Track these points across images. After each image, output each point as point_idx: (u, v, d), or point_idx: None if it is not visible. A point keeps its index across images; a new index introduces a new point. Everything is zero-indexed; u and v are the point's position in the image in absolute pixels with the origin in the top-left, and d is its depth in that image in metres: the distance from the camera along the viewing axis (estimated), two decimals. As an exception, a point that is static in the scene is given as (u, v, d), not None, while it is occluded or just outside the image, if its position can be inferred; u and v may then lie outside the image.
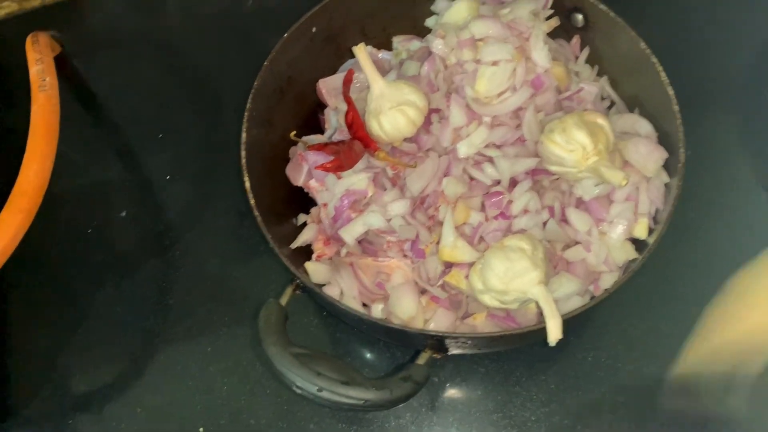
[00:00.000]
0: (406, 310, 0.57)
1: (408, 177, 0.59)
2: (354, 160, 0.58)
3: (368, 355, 0.63)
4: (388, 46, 0.73)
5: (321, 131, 0.70)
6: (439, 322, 0.57)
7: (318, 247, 0.64)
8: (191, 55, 0.83)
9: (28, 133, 0.60)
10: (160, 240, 0.70)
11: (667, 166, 0.58)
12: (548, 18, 0.65)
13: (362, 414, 0.60)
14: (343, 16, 0.68)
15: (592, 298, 0.57)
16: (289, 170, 0.65)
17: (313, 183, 0.63)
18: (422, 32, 0.72)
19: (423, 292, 0.59)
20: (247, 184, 0.58)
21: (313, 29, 0.66)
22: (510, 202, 0.57)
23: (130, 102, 0.80)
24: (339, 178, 0.61)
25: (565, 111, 0.62)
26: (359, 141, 0.61)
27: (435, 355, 0.53)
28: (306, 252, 0.64)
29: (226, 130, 0.76)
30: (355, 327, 0.61)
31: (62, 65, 0.71)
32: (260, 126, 0.63)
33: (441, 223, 0.57)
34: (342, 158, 0.57)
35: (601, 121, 0.57)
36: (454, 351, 0.54)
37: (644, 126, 0.61)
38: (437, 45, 0.63)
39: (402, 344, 0.61)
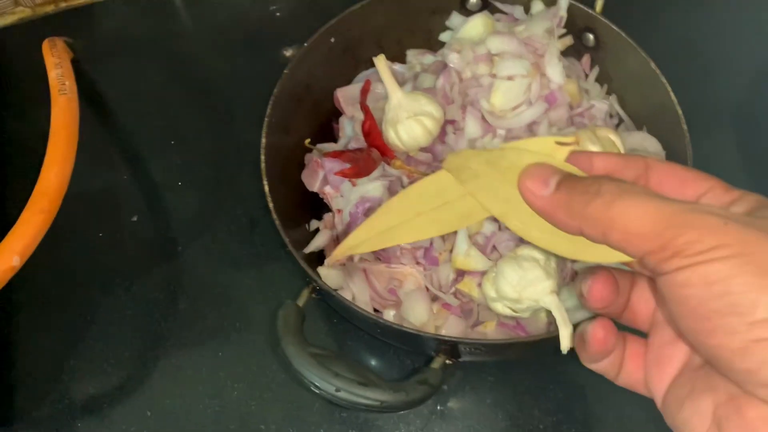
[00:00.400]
0: (418, 316, 0.58)
1: None
2: (372, 167, 0.59)
3: (378, 362, 0.64)
4: (402, 59, 0.74)
5: (334, 139, 0.71)
6: (450, 329, 0.58)
7: (329, 253, 0.65)
8: (203, 62, 0.84)
9: (49, 135, 0.61)
10: (172, 245, 0.71)
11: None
12: (561, 36, 0.66)
13: (372, 420, 0.60)
14: (360, 29, 0.69)
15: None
16: (305, 176, 0.66)
17: (328, 189, 0.64)
18: (435, 46, 0.74)
19: (434, 299, 0.60)
20: (266, 188, 0.59)
21: (332, 39, 0.68)
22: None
23: (141, 108, 0.81)
24: (354, 185, 0.62)
25: (576, 126, 0.63)
26: (376, 149, 0.62)
27: (448, 361, 0.54)
28: (318, 257, 0.65)
29: (237, 137, 0.78)
30: (367, 332, 0.61)
31: (74, 71, 0.72)
32: (278, 132, 0.64)
33: (454, 232, 0.58)
34: (360, 165, 0.58)
35: (612, 136, 0.58)
36: (465, 357, 0.55)
37: (653, 144, 0.62)
38: (453, 59, 0.65)
39: (414, 350, 0.61)
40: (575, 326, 0.51)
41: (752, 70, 0.79)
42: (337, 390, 0.46)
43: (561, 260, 0.57)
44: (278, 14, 0.87)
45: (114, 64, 0.83)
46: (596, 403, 0.61)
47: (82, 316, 0.67)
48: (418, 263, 0.60)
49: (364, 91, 0.65)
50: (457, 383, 0.62)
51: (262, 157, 0.60)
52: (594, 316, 0.40)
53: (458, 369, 0.62)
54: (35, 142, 0.64)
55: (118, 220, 0.73)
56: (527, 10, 0.69)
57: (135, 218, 0.73)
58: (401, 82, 0.68)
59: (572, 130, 0.61)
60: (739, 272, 0.26)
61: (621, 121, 0.68)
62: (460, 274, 0.58)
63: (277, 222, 0.57)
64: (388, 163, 0.61)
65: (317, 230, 0.66)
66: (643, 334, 0.38)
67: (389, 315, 0.60)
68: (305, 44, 0.66)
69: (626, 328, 0.38)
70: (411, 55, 0.74)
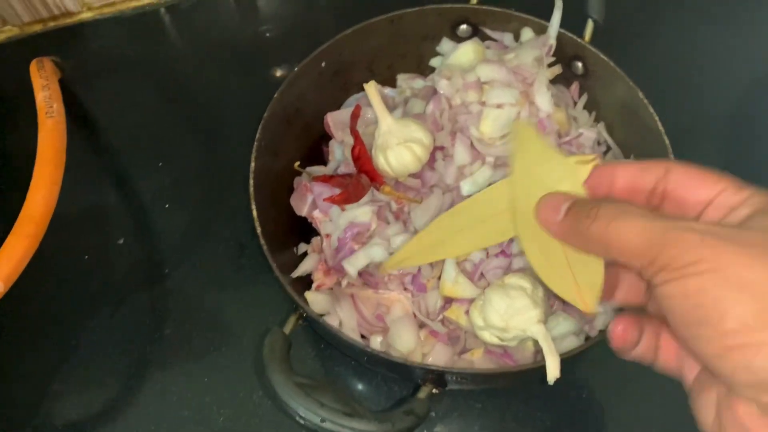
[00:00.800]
0: (405, 343, 0.58)
1: (412, 212, 0.61)
2: (361, 193, 0.59)
3: (365, 389, 0.63)
4: (392, 83, 0.75)
5: (323, 162, 0.71)
6: (437, 356, 0.58)
7: (318, 277, 0.64)
8: (192, 83, 0.84)
9: (35, 158, 0.60)
10: (158, 268, 0.70)
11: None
12: (550, 65, 0.67)
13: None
14: (352, 53, 0.70)
15: (587, 338, 0.59)
16: (294, 200, 0.66)
17: (317, 213, 0.64)
18: (426, 71, 0.74)
19: (421, 326, 0.60)
20: (255, 213, 0.58)
21: (323, 64, 0.68)
22: (511, 240, 0.58)
23: (129, 129, 0.80)
24: (343, 210, 0.62)
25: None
26: (365, 174, 0.62)
27: (435, 390, 0.54)
28: (305, 282, 0.65)
29: (226, 158, 0.77)
30: (354, 359, 0.61)
31: (62, 91, 0.72)
32: (267, 155, 0.64)
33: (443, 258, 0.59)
34: (350, 191, 0.58)
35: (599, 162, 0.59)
36: (452, 386, 0.55)
37: (641, 172, 0.63)
38: (443, 85, 0.65)
39: (401, 377, 0.61)
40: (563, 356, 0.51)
41: (739, 95, 0.80)
42: (323, 420, 0.46)
43: (548, 289, 0.57)
44: (268, 35, 0.87)
45: (103, 84, 0.83)
46: (583, 431, 0.61)
47: (67, 340, 0.67)
48: (405, 289, 0.60)
49: (354, 116, 0.65)
50: (445, 410, 0.62)
51: (251, 182, 0.60)
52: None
53: (446, 395, 0.62)
54: (23, 161, 0.64)
55: (104, 242, 0.72)
56: (517, 37, 0.70)
57: (121, 241, 0.72)
58: (391, 107, 0.69)
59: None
60: (711, 286, 0.29)
61: (609, 148, 0.68)
62: (448, 301, 0.58)
63: (264, 247, 0.57)
64: (377, 189, 0.62)
65: (305, 254, 0.66)
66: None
67: (376, 341, 0.60)
68: (296, 68, 0.66)
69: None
70: (401, 79, 0.74)
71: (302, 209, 0.65)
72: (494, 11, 0.69)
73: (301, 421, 0.47)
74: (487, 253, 0.59)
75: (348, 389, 0.63)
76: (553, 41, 0.66)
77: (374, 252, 0.60)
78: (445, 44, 0.73)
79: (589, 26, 0.68)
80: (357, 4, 0.87)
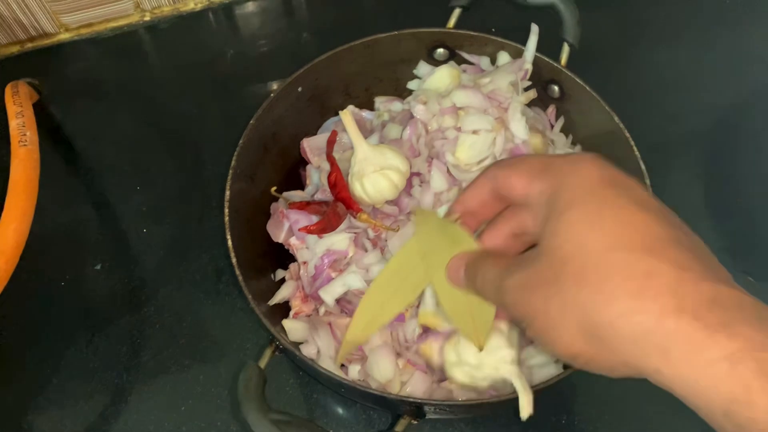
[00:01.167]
0: (383, 372, 0.57)
1: (390, 239, 0.60)
2: (338, 222, 0.59)
3: (345, 416, 0.63)
4: (370, 106, 0.74)
5: (301, 186, 0.70)
6: (415, 385, 0.58)
7: (296, 305, 0.64)
8: (171, 105, 0.83)
9: (7, 189, 0.59)
10: (135, 295, 0.69)
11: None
12: (526, 88, 0.67)
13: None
14: (328, 77, 0.69)
15: (566, 366, 0.59)
16: (270, 227, 0.65)
17: (293, 241, 0.64)
18: (404, 94, 0.74)
19: (399, 354, 0.59)
20: (230, 243, 0.58)
21: (299, 89, 0.68)
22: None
23: (107, 152, 0.79)
24: (320, 237, 0.61)
25: (541, 179, 0.64)
26: (342, 202, 0.62)
27: (413, 421, 0.53)
28: (284, 308, 0.64)
29: (204, 181, 0.77)
30: (332, 389, 0.60)
31: (39, 113, 0.71)
32: (243, 181, 0.63)
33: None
34: (327, 220, 0.58)
35: None
36: (432, 416, 0.54)
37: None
38: (419, 110, 0.65)
39: (380, 407, 0.60)
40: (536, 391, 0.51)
41: (715, 116, 0.81)
42: (299, 459, 0.46)
43: (521, 333, 0.57)
44: (248, 55, 0.87)
45: (81, 106, 0.82)
46: None
47: (42, 370, 0.66)
48: (383, 318, 0.59)
49: (330, 143, 0.65)
50: None
51: (226, 210, 0.59)
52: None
53: (425, 423, 0.62)
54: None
55: (81, 268, 0.71)
56: (494, 61, 0.70)
57: (98, 266, 0.71)
58: (369, 131, 0.69)
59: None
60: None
61: (586, 171, 0.68)
62: (426, 330, 0.57)
63: (240, 278, 0.56)
64: (354, 216, 0.61)
65: (283, 280, 0.66)
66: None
67: (354, 370, 0.59)
68: (272, 94, 0.65)
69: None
70: (379, 102, 0.74)
71: (279, 236, 0.65)
72: (471, 35, 0.69)
73: (277, 460, 0.46)
74: None
75: (328, 417, 0.62)
76: (529, 66, 0.66)
77: (351, 280, 0.59)
78: (422, 67, 0.72)
79: (565, 50, 0.68)
80: (338, 24, 0.87)
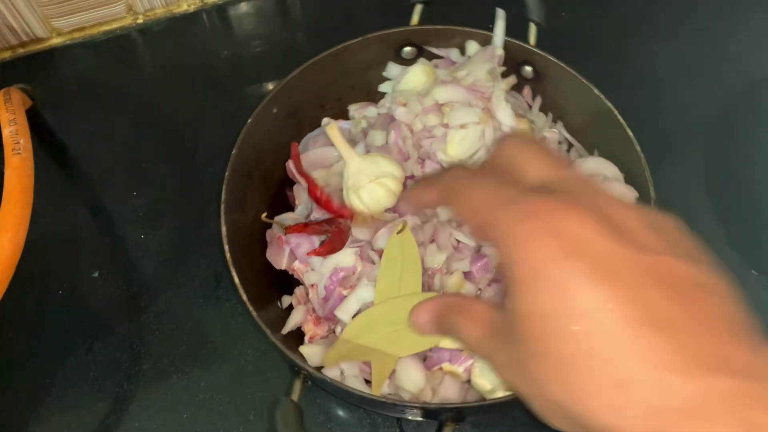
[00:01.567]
0: (414, 382, 0.57)
1: (379, 237, 0.59)
2: (344, 239, 0.58)
3: (350, 421, 0.63)
4: (344, 115, 0.73)
5: (290, 208, 0.69)
6: (448, 389, 0.57)
7: (309, 329, 0.62)
8: (166, 108, 0.81)
9: (1, 198, 0.57)
10: (134, 301, 0.68)
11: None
12: (503, 74, 0.67)
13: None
14: (301, 93, 0.68)
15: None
16: (270, 255, 0.64)
17: (297, 265, 0.62)
18: (376, 97, 0.73)
19: (424, 359, 0.59)
20: (237, 280, 0.56)
21: (274, 110, 0.66)
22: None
23: (102, 157, 0.78)
24: (325, 257, 0.60)
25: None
26: (334, 213, 0.60)
27: (455, 426, 0.53)
28: (296, 334, 0.63)
29: (202, 186, 0.76)
30: (365, 407, 0.59)
31: (33, 118, 0.69)
32: (235, 213, 0.61)
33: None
34: (333, 240, 0.56)
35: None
36: (470, 417, 0.54)
37: (609, 168, 0.63)
38: (401, 113, 0.64)
39: (422, 417, 0.59)
40: None
41: (715, 110, 0.79)
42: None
43: None
44: (243, 55, 0.85)
45: (75, 111, 0.81)
46: None
47: (41, 379, 0.64)
48: (403, 327, 0.59)
49: (295, 157, 0.64)
50: None
51: (226, 247, 0.58)
52: None
53: (428, 426, 0.61)
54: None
55: (78, 276, 0.70)
56: (463, 51, 0.70)
57: (96, 274, 0.70)
58: (351, 141, 0.67)
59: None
60: None
61: (571, 145, 0.69)
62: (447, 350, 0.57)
63: (255, 315, 0.55)
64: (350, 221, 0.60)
65: (290, 306, 0.64)
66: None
67: (384, 385, 0.58)
68: (249, 120, 0.64)
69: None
70: (353, 109, 0.73)
71: (281, 263, 0.63)
72: (436, 29, 0.69)
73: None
74: (477, 283, 0.58)
75: (331, 423, 0.62)
76: (501, 51, 0.66)
77: (365, 294, 0.58)
78: (392, 68, 0.72)
79: (532, 30, 0.68)
80: (333, 23, 0.86)
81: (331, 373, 0.58)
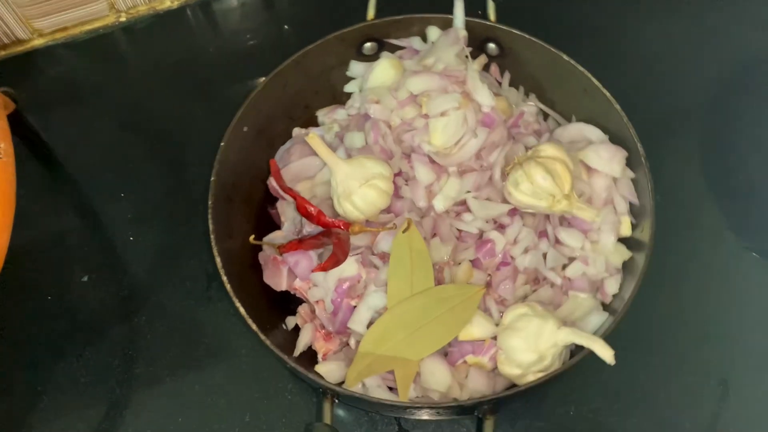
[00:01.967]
0: (440, 381, 0.55)
1: (381, 241, 0.58)
2: (347, 249, 0.56)
3: (347, 419, 0.62)
4: (313, 122, 0.71)
5: (275, 226, 0.66)
6: (476, 382, 0.56)
7: (320, 346, 0.60)
8: (151, 107, 0.80)
9: None
10: (125, 305, 0.67)
11: (629, 163, 0.61)
12: (471, 55, 0.66)
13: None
14: (268, 107, 0.66)
15: (605, 306, 0.59)
16: (268, 278, 0.61)
17: (298, 284, 0.60)
18: (343, 99, 0.71)
19: (446, 355, 0.57)
20: (242, 311, 0.54)
21: (245, 128, 0.63)
22: (507, 246, 0.57)
23: (89, 158, 0.76)
24: (326, 271, 0.58)
25: (515, 139, 0.63)
26: (327, 226, 0.59)
27: (490, 416, 0.51)
28: (307, 353, 0.61)
29: (190, 184, 0.74)
30: (393, 414, 0.58)
31: (17, 122, 0.68)
32: (225, 242, 0.59)
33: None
34: (336, 253, 0.54)
35: (559, 154, 0.58)
36: (507, 406, 0.53)
37: (593, 131, 0.63)
38: (375, 110, 0.63)
39: (458, 416, 0.58)
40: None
41: (710, 89, 0.78)
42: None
43: (543, 303, 0.56)
44: (229, 52, 0.83)
45: (59, 113, 0.78)
46: None
47: (32, 386, 0.63)
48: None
49: (276, 174, 0.62)
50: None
51: (224, 278, 0.55)
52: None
53: (429, 423, 0.61)
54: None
55: (67, 281, 0.68)
56: (425, 39, 0.68)
57: (85, 278, 0.69)
58: (330, 148, 0.65)
59: (512, 147, 0.60)
60: None
61: (547, 115, 0.68)
62: (470, 343, 0.55)
63: (268, 343, 0.52)
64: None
65: (296, 327, 0.62)
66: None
67: (410, 389, 0.57)
68: (221, 143, 0.61)
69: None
70: (321, 115, 0.71)
71: (281, 284, 0.61)
72: (394, 20, 0.67)
73: None
74: (486, 271, 0.57)
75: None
76: (463, 32, 0.65)
77: (375, 301, 0.56)
78: (355, 67, 0.70)
79: (491, 6, 0.67)
80: (319, 15, 0.84)
81: (353, 387, 0.56)
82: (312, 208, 0.59)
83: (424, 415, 0.55)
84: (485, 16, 0.67)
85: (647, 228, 0.57)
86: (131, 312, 0.66)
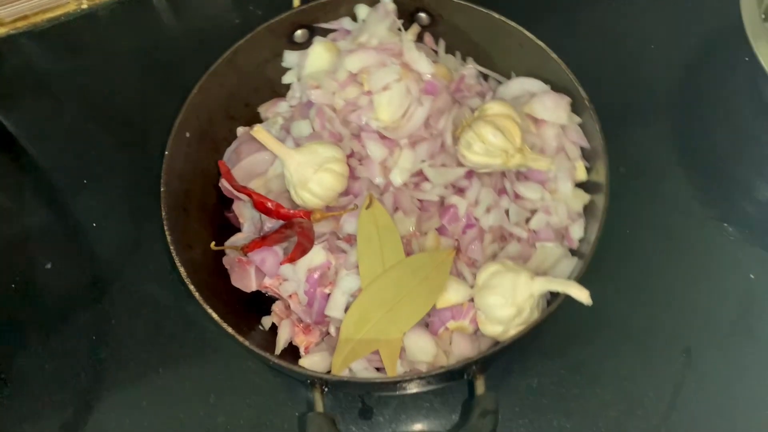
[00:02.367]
0: (425, 351, 0.55)
1: (344, 224, 0.57)
2: (312, 237, 0.55)
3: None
4: (256, 119, 0.70)
5: (234, 229, 0.65)
6: (460, 347, 0.55)
7: (301, 340, 0.60)
8: (115, 95, 0.79)
9: None
10: (88, 292, 0.67)
11: (574, 109, 0.62)
12: (400, 27, 0.65)
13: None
14: (207, 110, 0.64)
15: (573, 252, 0.59)
16: (237, 281, 0.60)
17: (268, 281, 0.59)
18: (282, 91, 0.70)
19: (427, 326, 0.57)
20: (215, 316, 0.53)
21: (187, 134, 0.62)
22: (469, 208, 0.57)
23: (52, 147, 0.76)
24: (294, 264, 0.57)
25: (460, 103, 0.63)
26: (288, 218, 0.58)
27: (480, 376, 0.52)
28: (287, 350, 0.60)
29: (153, 173, 0.69)
30: (384, 391, 0.58)
31: None
32: (187, 252, 0.58)
33: (416, 255, 0.56)
34: (301, 242, 0.54)
35: (505, 110, 0.58)
36: (495, 364, 0.53)
37: (534, 84, 0.63)
38: (317, 95, 0.62)
39: (447, 382, 0.58)
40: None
41: (676, 64, 0.77)
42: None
43: (513, 258, 0.57)
44: (193, 35, 0.82)
45: (22, 103, 0.79)
46: (535, 421, 0.60)
47: None
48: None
49: (227, 175, 0.60)
50: (393, 413, 0.61)
51: (197, 294, 0.54)
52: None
53: (392, 399, 0.61)
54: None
55: (31, 269, 0.69)
56: (354, 18, 0.68)
57: (49, 265, 0.69)
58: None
59: (458, 110, 0.60)
60: None
61: (488, 76, 0.68)
62: (449, 309, 0.55)
63: (264, 355, 0.52)
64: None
65: (273, 326, 0.61)
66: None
67: (397, 365, 0.57)
68: (166, 152, 0.59)
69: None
70: (263, 110, 0.70)
71: (250, 285, 0.60)
72: (322, 3, 0.67)
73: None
74: (453, 237, 0.57)
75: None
76: (392, 5, 0.65)
77: (348, 284, 0.56)
78: (289, 57, 0.69)
79: (415, -24, 0.67)
80: None
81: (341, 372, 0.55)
82: (270, 203, 0.58)
83: (415, 388, 0.55)
84: (411, -14, 0.67)
85: (602, 168, 0.58)
86: (95, 298, 0.67)
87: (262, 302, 0.62)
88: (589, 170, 0.61)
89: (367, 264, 0.54)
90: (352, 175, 0.59)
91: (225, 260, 0.62)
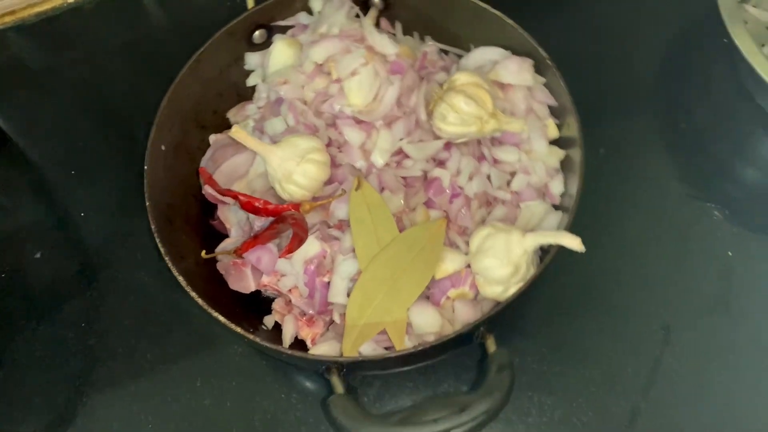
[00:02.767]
0: (431, 323, 0.56)
1: (335, 210, 0.58)
2: (306, 227, 0.56)
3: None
4: (226, 126, 0.70)
5: (222, 236, 0.65)
6: (463, 313, 0.57)
7: (306, 333, 0.60)
8: (103, 88, 0.81)
9: None
10: (77, 280, 0.69)
11: (537, 70, 0.64)
12: (358, 13, 0.66)
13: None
14: (178, 121, 0.64)
15: (556, 207, 0.61)
16: (234, 284, 0.60)
17: (266, 279, 0.59)
18: (249, 94, 0.70)
19: (428, 298, 0.58)
20: (222, 320, 0.53)
21: (163, 147, 0.62)
22: (452, 178, 0.58)
23: (41, 139, 0.78)
24: (289, 258, 0.58)
25: (426, 80, 0.64)
26: (279, 212, 0.58)
27: (489, 335, 0.53)
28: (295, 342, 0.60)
29: (139, 160, 0.68)
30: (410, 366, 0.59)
31: None
32: (182, 262, 0.57)
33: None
34: (297, 233, 0.54)
35: (473, 78, 0.59)
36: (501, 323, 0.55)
37: (494, 51, 0.65)
38: (286, 91, 0.63)
39: (462, 347, 0.59)
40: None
41: (656, 46, 0.78)
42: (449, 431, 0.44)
43: (501, 221, 0.58)
44: (181, 27, 0.83)
45: (11, 97, 0.80)
46: (517, 399, 0.61)
47: None
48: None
49: (209, 180, 0.61)
50: (377, 393, 0.62)
51: (200, 301, 0.54)
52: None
53: (376, 379, 0.63)
54: None
55: (20, 258, 0.70)
56: (310, 12, 0.68)
57: (38, 255, 0.70)
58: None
59: (427, 86, 0.62)
60: None
61: (448, 52, 0.70)
62: (448, 278, 0.57)
63: (269, 344, 0.52)
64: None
65: (275, 324, 0.61)
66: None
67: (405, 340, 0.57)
68: (145, 167, 0.59)
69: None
70: (232, 115, 0.70)
71: (248, 286, 0.60)
72: (276, 2, 0.67)
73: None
74: (442, 209, 0.58)
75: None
76: (346, -7, 0.66)
77: (347, 268, 0.57)
78: (251, 58, 0.69)
79: (363, -37, 0.68)
80: None
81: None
82: (257, 202, 0.58)
83: (429, 360, 0.56)
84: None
85: (572, 123, 0.60)
86: (84, 287, 0.68)
87: (260, 303, 0.62)
88: (560, 126, 0.63)
89: (363, 244, 0.55)
90: (334, 163, 0.60)
91: (219, 266, 0.62)
